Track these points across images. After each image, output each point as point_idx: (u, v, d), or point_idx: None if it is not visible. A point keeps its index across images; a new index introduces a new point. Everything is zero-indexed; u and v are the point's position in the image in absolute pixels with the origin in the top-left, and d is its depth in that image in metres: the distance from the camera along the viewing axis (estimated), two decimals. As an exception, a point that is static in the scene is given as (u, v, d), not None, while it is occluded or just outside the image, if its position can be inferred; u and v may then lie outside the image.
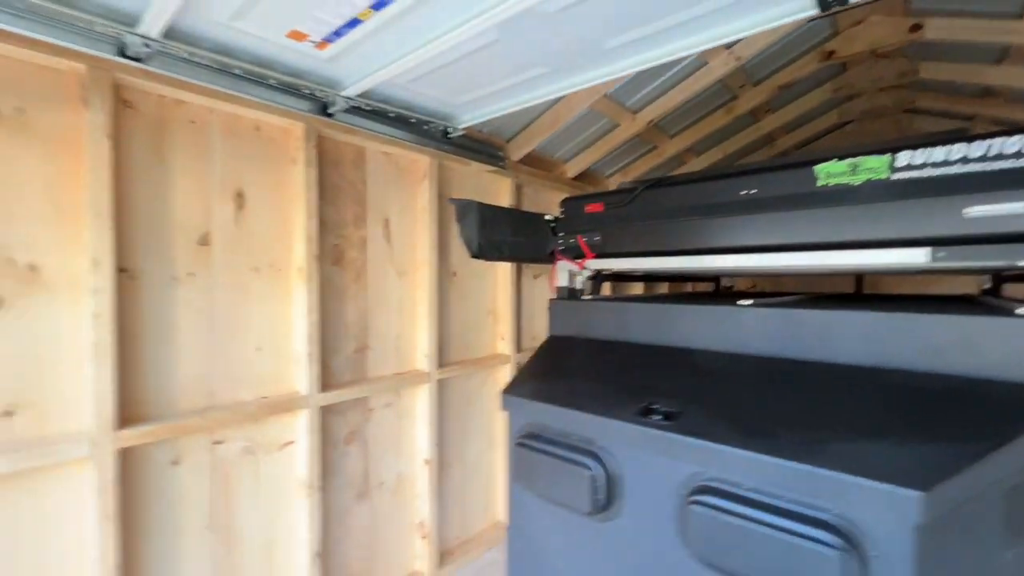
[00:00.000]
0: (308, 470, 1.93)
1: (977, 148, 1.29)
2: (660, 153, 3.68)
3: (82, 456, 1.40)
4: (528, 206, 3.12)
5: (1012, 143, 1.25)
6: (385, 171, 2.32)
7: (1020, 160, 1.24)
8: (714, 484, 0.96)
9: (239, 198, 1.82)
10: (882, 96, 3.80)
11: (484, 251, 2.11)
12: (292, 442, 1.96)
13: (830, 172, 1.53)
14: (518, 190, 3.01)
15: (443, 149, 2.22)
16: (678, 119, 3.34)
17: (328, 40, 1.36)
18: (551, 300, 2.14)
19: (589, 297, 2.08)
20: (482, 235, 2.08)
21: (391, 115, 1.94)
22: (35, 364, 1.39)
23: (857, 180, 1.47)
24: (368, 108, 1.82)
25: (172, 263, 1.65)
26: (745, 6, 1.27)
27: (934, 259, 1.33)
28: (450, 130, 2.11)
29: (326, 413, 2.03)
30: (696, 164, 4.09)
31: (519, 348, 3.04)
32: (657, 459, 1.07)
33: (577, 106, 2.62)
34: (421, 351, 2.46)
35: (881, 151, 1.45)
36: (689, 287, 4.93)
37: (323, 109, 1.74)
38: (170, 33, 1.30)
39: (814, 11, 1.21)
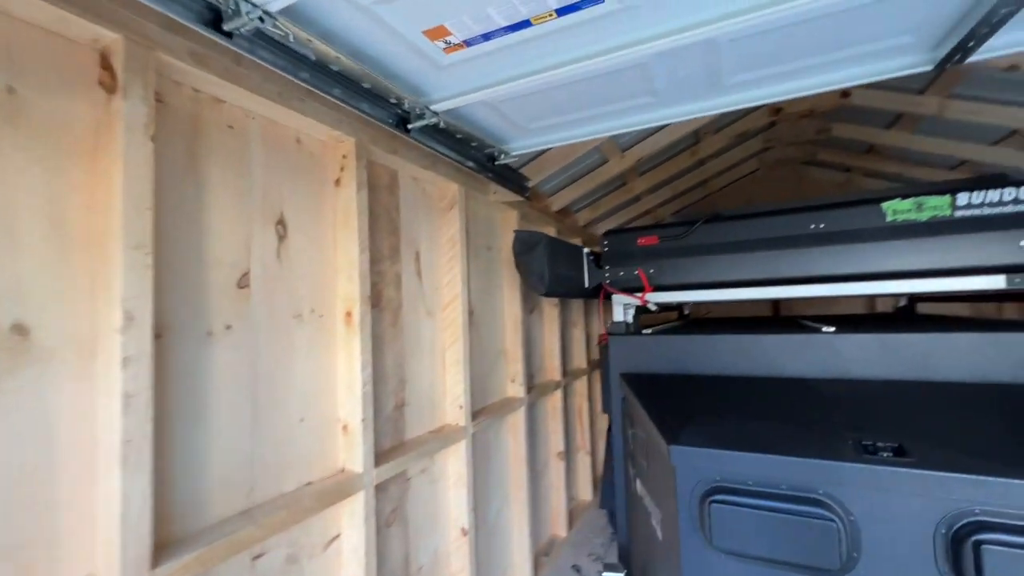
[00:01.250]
0: (364, 573, 1.51)
1: (1026, 193, 1.54)
2: (629, 190, 3.85)
3: (106, 620, 0.90)
4: (527, 239, 3.00)
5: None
6: (415, 198, 2.03)
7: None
8: (992, 519, 0.94)
9: (280, 226, 1.42)
10: (791, 149, 4.50)
11: (553, 287, 1.95)
12: (338, 536, 1.53)
13: (897, 209, 1.71)
14: (521, 223, 2.88)
15: (487, 176, 2.03)
16: (649, 158, 3.54)
17: (469, 43, 1.14)
18: (609, 336, 2.04)
19: (649, 331, 2.03)
20: (552, 270, 1.92)
21: (458, 136, 1.71)
22: (21, 482, 0.87)
23: (923, 216, 1.66)
24: (443, 127, 1.58)
25: (207, 313, 1.21)
26: (867, 56, 1.37)
27: (1010, 284, 1.54)
28: (500, 156, 1.94)
29: (377, 493, 1.63)
30: (650, 201, 4.38)
31: (528, 389, 2.84)
32: (900, 500, 1.02)
33: (595, 140, 2.62)
34: (452, 402, 2.15)
35: (940, 192, 1.67)
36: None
37: (400, 123, 1.46)
38: (288, 9, 0.97)
39: (929, 67, 1.35)
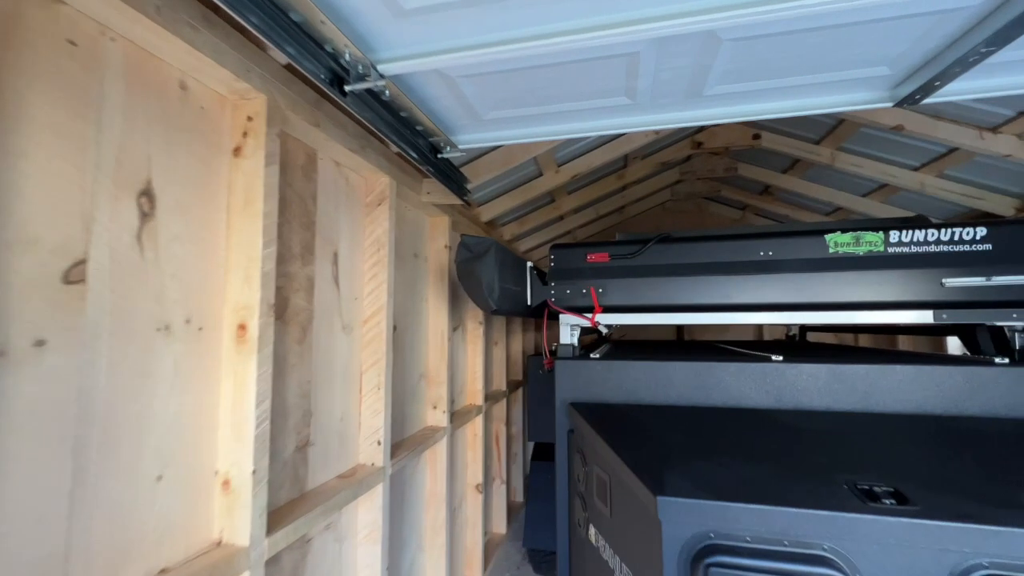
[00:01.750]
0: None
1: (945, 233, 1.66)
2: (556, 208, 3.77)
3: None
4: (456, 249, 2.72)
5: (967, 232, 1.64)
6: (336, 187, 1.67)
7: (975, 245, 1.63)
8: (1002, 573, 0.87)
9: (146, 200, 1.00)
10: (699, 184, 4.80)
11: (501, 302, 1.69)
12: (205, 640, 1.09)
13: (838, 241, 1.74)
14: (452, 231, 2.61)
15: (428, 170, 1.73)
16: (582, 176, 3.48)
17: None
18: (556, 360, 1.84)
19: (597, 356, 1.86)
20: (501, 283, 1.67)
21: (403, 114, 1.40)
22: None
23: (861, 251, 1.72)
24: (387, 97, 1.26)
25: (2, 320, 0.76)
26: (835, 87, 1.36)
27: (936, 319, 1.63)
28: (446, 148, 1.66)
29: (268, 569, 1.21)
30: (573, 221, 4.35)
31: (451, 417, 2.53)
32: (905, 553, 0.93)
33: (537, 148, 2.45)
34: (368, 438, 1.77)
35: (875, 228, 1.74)
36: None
37: (335, 82, 1.12)
38: None
39: (889, 104, 1.38)
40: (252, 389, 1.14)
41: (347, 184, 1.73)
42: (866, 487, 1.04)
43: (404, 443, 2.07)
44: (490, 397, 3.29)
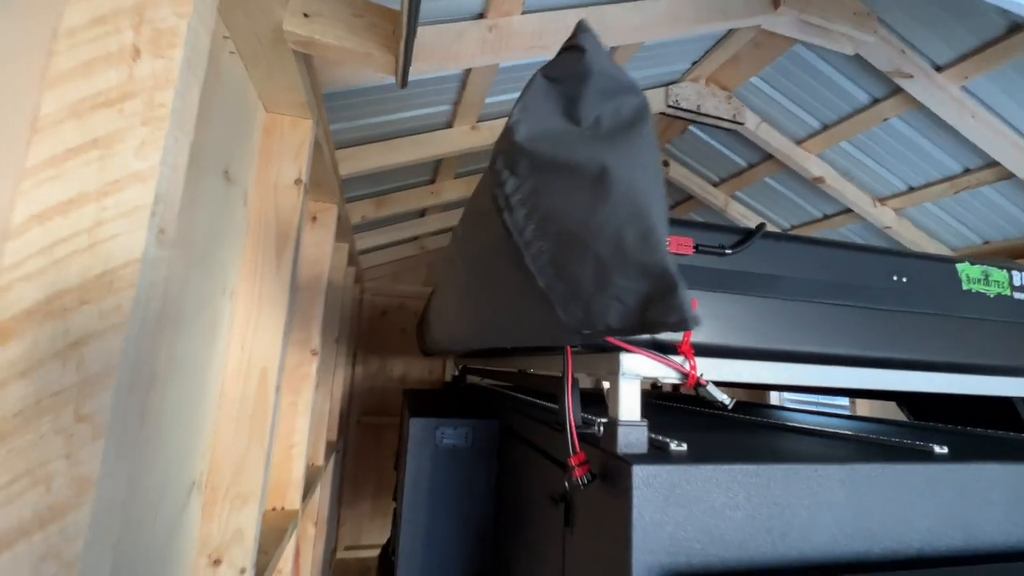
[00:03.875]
0: None
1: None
2: (435, 192, 2.66)
3: None
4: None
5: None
6: None
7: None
8: None
9: None
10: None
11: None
12: None
13: (970, 276, 1.24)
14: (317, 162, 1.27)
15: None
16: (472, 158, 2.49)
17: None
18: (630, 466, 0.76)
19: (685, 449, 0.86)
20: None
21: None
22: None
23: (991, 291, 1.25)
24: None
25: None
26: None
27: (1077, 397, 1.22)
28: None
29: None
30: (429, 223, 3.26)
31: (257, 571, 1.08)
32: None
33: (505, 51, 1.37)
34: None
35: (1000, 265, 1.30)
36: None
37: None
38: None
39: None
40: None
41: None
42: None
43: None
44: (308, 488, 1.82)
